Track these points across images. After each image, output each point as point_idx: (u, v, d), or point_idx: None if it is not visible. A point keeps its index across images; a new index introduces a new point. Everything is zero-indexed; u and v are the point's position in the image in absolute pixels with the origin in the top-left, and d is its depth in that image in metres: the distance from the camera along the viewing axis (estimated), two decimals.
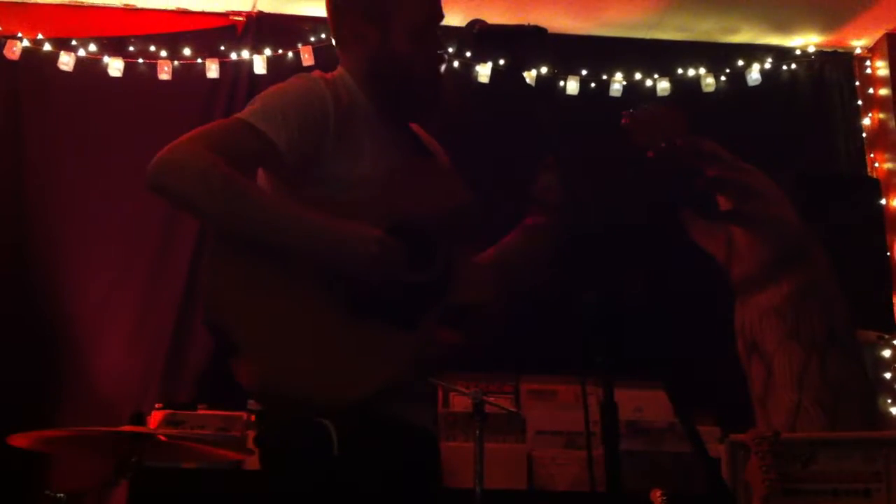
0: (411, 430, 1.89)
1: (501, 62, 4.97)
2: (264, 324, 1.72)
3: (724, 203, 3.10)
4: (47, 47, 4.97)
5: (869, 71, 5.55)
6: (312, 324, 1.74)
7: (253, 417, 3.90)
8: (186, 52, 5.05)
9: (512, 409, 3.98)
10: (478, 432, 3.43)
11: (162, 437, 3.06)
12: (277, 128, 1.80)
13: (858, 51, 5.58)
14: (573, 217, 2.01)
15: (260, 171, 1.92)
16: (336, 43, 2.11)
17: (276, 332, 1.72)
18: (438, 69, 2.07)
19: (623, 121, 2.10)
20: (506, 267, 2.08)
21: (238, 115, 1.86)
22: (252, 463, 3.52)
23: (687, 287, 4.27)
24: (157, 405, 4.11)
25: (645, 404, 3.98)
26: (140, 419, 3.14)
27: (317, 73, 1.97)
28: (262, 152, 1.81)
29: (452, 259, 1.90)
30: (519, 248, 2.09)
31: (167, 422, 3.89)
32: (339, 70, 2.06)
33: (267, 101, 1.87)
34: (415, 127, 2.15)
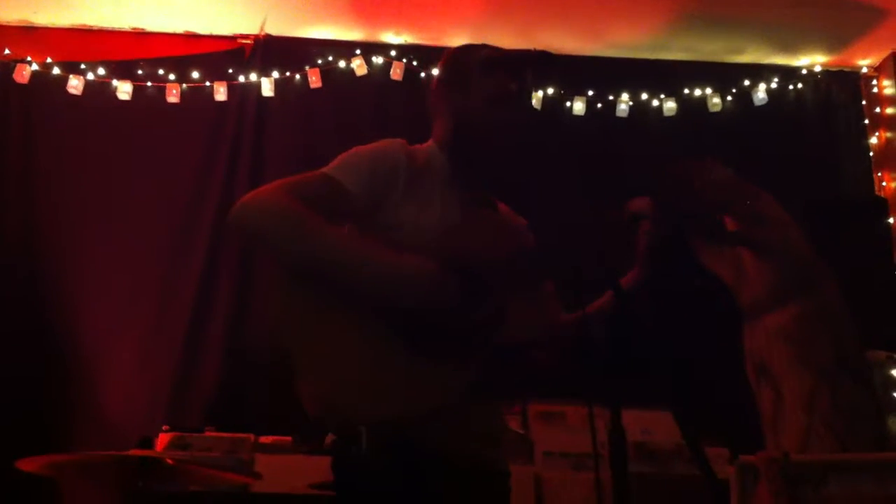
0: (477, 467, 2.02)
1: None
2: (327, 352, 1.84)
3: (732, 226, 3.10)
4: (56, 71, 5.01)
5: (875, 90, 5.55)
6: (366, 350, 1.85)
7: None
8: (195, 75, 5.08)
9: (520, 431, 3.96)
10: None
11: (169, 461, 3.05)
12: (350, 175, 1.98)
13: (865, 70, 5.59)
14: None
15: None
16: (431, 117, 2.27)
17: (337, 359, 1.84)
18: (517, 136, 2.17)
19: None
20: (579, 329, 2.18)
21: (321, 169, 2.03)
22: (259, 486, 3.51)
23: (695, 309, 4.26)
24: (164, 427, 4.10)
25: (653, 426, 3.95)
26: (147, 443, 3.14)
27: (400, 140, 2.13)
28: (335, 196, 1.96)
29: (506, 300, 1.98)
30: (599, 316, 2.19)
31: (174, 445, 3.88)
32: (430, 141, 2.22)
33: (346, 157, 2.05)
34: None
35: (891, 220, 5.13)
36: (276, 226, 1.88)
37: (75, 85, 4.98)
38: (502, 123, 2.14)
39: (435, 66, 4.94)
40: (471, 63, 2.19)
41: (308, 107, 5.08)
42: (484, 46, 2.25)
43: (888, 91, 5.49)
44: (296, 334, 1.86)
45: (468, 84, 2.16)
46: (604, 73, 5.37)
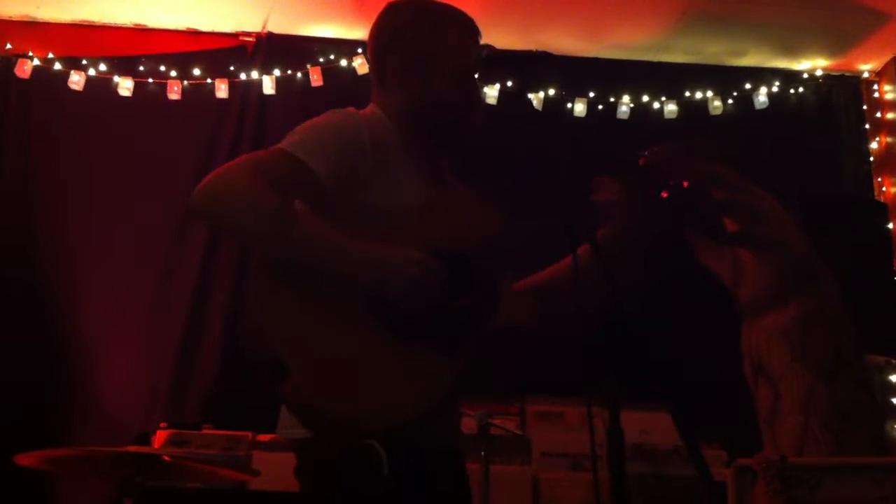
0: (454, 455, 1.98)
1: (510, 84, 4.98)
2: (310, 348, 1.76)
3: (731, 225, 3.09)
4: (58, 66, 5.01)
5: (877, 94, 5.56)
6: (357, 348, 1.78)
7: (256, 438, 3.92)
8: (196, 72, 5.08)
9: (517, 432, 3.96)
10: (483, 454, 3.42)
11: (166, 458, 3.05)
12: (316, 157, 1.85)
13: (866, 74, 5.59)
14: (647, 218, 2.04)
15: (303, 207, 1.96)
16: (375, 80, 2.13)
17: (322, 355, 1.75)
18: (477, 111, 2.11)
19: (640, 161, 2.12)
20: (546, 293, 2.10)
21: (278, 145, 1.90)
22: (256, 483, 3.51)
23: (694, 308, 4.27)
24: (161, 424, 4.10)
25: (651, 427, 3.95)
26: (145, 439, 3.15)
27: (351, 109, 2.02)
28: (303, 181, 1.84)
29: (491, 285, 1.94)
30: (565, 274, 2.06)
31: (172, 441, 3.88)
32: (372, 107, 2.10)
33: (305, 132, 1.92)
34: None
35: (890, 226, 5.14)
36: (251, 216, 1.76)
37: (76, 80, 4.97)
38: (469, 99, 2.06)
39: None
40: (432, 33, 2.07)
41: (309, 105, 5.06)
42: (434, 5, 2.13)
43: (889, 96, 5.50)
44: (275, 329, 1.77)
45: (431, 54, 2.05)
46: (605, 75, 5.37)
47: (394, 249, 1.80)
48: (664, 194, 2.07)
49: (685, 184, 2.10)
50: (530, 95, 5.14)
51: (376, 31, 2.13)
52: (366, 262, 1.79)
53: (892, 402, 4.89)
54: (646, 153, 2.17)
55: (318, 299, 1.78)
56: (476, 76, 2.09)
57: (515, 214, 2.07)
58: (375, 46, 2.12)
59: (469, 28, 2.10)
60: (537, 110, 5.13)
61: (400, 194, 1.95)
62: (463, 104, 2.06)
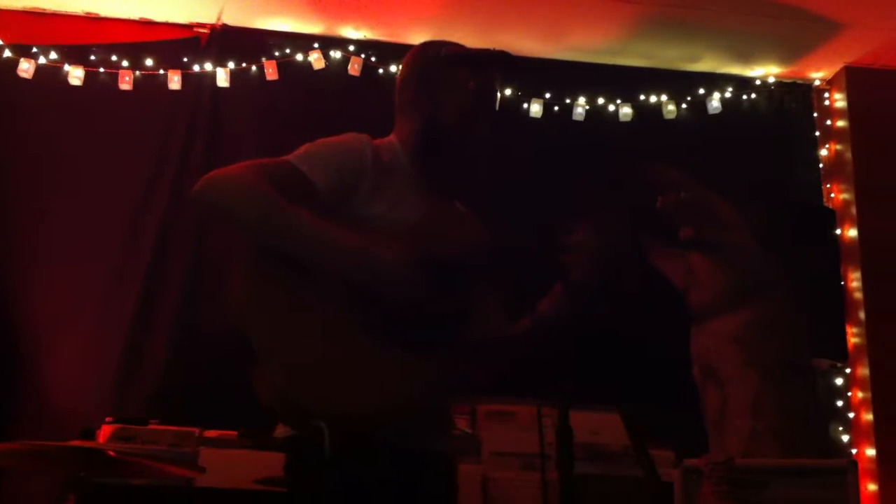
0: (430, 457, 2.00)
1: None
2: (289, 337, 1.81)
3: (685, 230, 3.12)
4: (7, 54, 4.91)
5: (827, 103, 5.64)
6: (334, 341, 1.83)
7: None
8: (149, 62, 5.01)
9: (468, 431, 3.96)
10: None
11: (111, 453, 3.00)
12: (317, 172, 1.96)
13: (817, 83, 5.67)
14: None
15: None
16: (397, 113, 2.24)
17: (299, 346, 1.81)
18: (483, 144, 2.18)
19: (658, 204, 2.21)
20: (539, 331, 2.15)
21: (285, 157, 2.01)
22: (203, 480, 3.47)
23: (644, 311, 4.29)
24: (107, 419, 4.04)
25: (601, 427, 3.97)
26: (90, 434, 3.09)
27: (364, 135, 2.11)
28: (302, 190, 1.94)
29: (472, 294, 2.00)
30: (552, 314, 2.12)
31: (118, 437, 3.82)
32: (390, 137, 2.21)
33: (312, 148, 2.04)
34: None
35: (838, 231, 5.22)
36: (245, 201, 1.86)
37: (26, 69, 4.88)
38: (469, 130, 2.15)
39: (394, 62, 4.97)
40: (434, 62, 2.18)
41: (264, 99, 5.04)
42: (446, 43, 2.25)
43: (839, 104, 5.58)
44: (258, 319, 1.82)
45: (434, 86, 2.15)
46: (562, 76, 5.40)
47: (384, 245, 1.87)
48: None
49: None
50: None
51: (401, 70, 2.26)
52: (355, 253, 1.85)
53: (836, 406, 4.97)
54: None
55: (301, 292, 1.84)
56: (488, 113, 2.20)
57: (502, 233, 2.15)
58: (399, 83, 2.24)
59: (485, 77, 2.19)
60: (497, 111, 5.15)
61: (397, 210, 2.03)
62: (468, 137, 2.15)
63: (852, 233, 5.29)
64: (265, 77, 5.07)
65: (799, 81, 5.65)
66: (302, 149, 2.03)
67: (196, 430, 3.90)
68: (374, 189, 2.01)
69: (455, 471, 2.12)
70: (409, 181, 2.10)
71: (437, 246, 1.97)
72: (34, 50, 4.94)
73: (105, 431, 3.87)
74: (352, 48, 5.19)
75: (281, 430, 1.94)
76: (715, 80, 5.53)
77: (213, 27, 5.18)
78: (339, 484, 1.83)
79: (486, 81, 2.19)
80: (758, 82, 5.59)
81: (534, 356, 2.12)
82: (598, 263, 2.03)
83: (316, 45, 5.13)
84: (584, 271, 2.04)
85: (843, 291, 5.10)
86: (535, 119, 5.28)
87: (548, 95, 5.32)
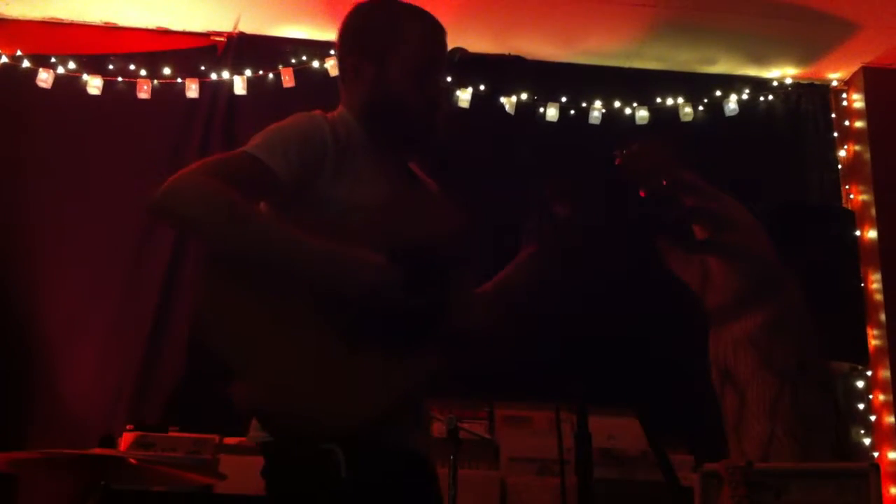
0: (412, 455, 1.92)
1: (482, 88, 4.98)
2: (264, 348, 1.74)
3: (700, 233, 3.11)
4: (26, 64, 4.95)
5: (845, 103, 5.61)
6: (312, 349, 1.76)
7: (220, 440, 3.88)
8: (166, 71, 5.05)
9: (486, 436, 3.95)
10: (451, 458, 3.42)
11: (132, 461, 3.02)
12: (277, 158, 1.86)
13: (835, 83, 5.64)
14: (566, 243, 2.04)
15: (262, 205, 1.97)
16: (341, 81, 2.15)
17: (275, 356, 1.73)
18: (435, 110, 2.09)
19: (616, 161, 2.13)
20: (502, 296, 2.11)
21: (241, 148, 1.91)
22: (223, 487, 3.48)
23: (662, 314, 4.28)
24: (128, 427, 4.06)
25: (618, 432, 3.96)
26: (110, 442, 3.10)
27: (317, 111, 2.03)
28: (263, 181, 1.86)
29: (450, 283, 1.93)
30: (515, 279, 2.12)
31: (137, 444, 3.84)
32: (340, 108, 2.11)
33: (268, 135, 1.93)
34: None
35: (857, 233, 5.19)
36: (209, 213, 1.76)
37: (45, 79, 4.92)
38: (423, 95, 2.06)
39: None
40: (390, 28, 2.07)
41: (280, 106, 5.03)
42: (396, 4, 2.15)
43: (857, 105, 5.55)
44: (226, 329, 1.75)
45: (389, 51, 2.05)
46: (577, 80, 5.39)
47: (352, 250, 1.80)
48: (642, 193, 2.09)
49: (664, 183, 2.11)
50: (502, 99, 5.15)
51: (341, 33, 2.15)
52: (321, 260, 1.78)
53: (856, 409, 4.94)
54: (624, 152, 2.18)
55: (270, 301, 1.76)
56: (439, 75, 2.10)
57: (477, 212, 2.07)
58: (340, 48, 2.14)
59: (430, 25, 2.12)
60: (509, 114, 5.14)
61: (363, 190, 1.94)
62: (417, 97, 2.05)
63: (872, 234, 5.26)
64: (282, 84, 5.09)
65: (816, 82, 5.63)
66: (258, 137, 1.92)
67: (216, 437, 3.91)
68: (335, 171, 1.92)
69: (433, 467, 2.04)
70: (367, 155, 2.01)
71: (407, 231, 1.90)
72: (52, 60, 4.98)
73: (125, 438, 3.89)
74: None
75: (253, 434, 1.88)
76: (731, 82, 5.51)
77: (229, 35, 5.21)
78: (358, 500, 1.77)
79: (434, 36, 2.11)
80: (774, 84, 5.56)
81: (497, 326, 2.07)
82: (652, 175, 1.98)
83: (332, 52, 5.14)
84: (643, 179, 2.00)
85: (863, 294, 5.06)
86: (550, 122, 5.26)
87: (564, 99, 5.31)
